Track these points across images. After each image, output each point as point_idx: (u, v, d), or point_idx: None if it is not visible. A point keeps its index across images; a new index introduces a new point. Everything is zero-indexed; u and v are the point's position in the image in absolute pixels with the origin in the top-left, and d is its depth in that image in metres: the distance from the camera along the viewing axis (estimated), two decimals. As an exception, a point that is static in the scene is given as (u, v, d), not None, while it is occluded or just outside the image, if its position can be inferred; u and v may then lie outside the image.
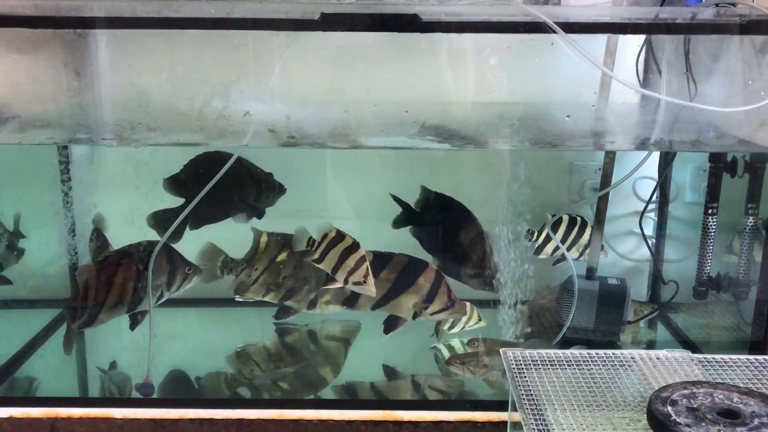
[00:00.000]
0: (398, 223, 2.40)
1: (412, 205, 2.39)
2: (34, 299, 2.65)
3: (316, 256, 2.16)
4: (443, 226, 2.38)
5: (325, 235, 2.16)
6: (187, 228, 2.30)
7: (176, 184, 2.29)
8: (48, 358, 2.41)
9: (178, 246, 2.28)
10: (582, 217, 2.42)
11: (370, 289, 2.11)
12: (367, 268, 2.10)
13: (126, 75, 2.12)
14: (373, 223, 2.48)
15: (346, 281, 2.11)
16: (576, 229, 2.38)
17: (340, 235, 2.14)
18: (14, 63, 2.03)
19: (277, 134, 2.07)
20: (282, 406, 2.04)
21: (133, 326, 2.24)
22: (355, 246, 2.12)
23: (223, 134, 2.05)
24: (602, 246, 2.33)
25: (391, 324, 2.26)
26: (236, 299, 2.35)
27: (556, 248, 2.35)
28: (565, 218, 2.40)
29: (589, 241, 2.27)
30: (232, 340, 2.57)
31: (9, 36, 1.99)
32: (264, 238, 2.33)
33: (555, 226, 2.38)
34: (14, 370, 2.28)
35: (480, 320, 2.37)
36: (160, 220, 2.30)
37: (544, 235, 2.33)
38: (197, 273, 2.29)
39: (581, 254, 2.36)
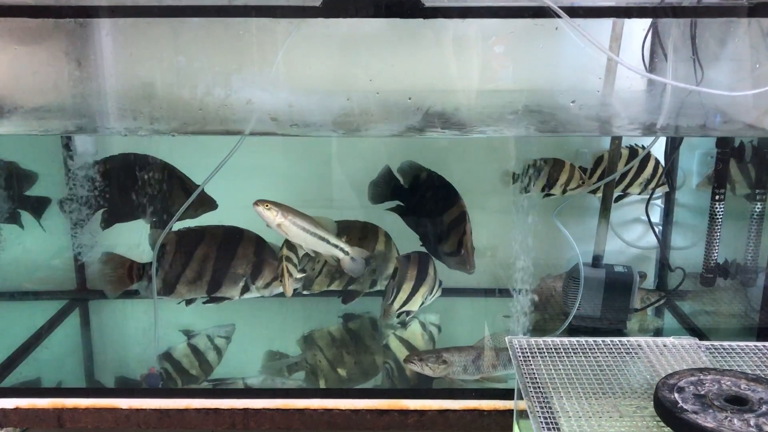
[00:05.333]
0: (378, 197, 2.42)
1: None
2: (39, 291, 2.65)
3: None
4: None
5: None
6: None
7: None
8: (54, 349, 2.41)
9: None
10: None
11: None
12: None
13: (128, 64, 2.11)
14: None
15: None
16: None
17: None
18: (15, 53, 2.02)
19: (279, 122, 2.06)
20: (287, 396, 2.04)
21: (208, 302, 2.20)
22: None
23: (225, 122, 2.04)
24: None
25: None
26: (304, 293, 2.36)
27: (543, 188, 2.29)
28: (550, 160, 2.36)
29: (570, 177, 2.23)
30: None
31: (10, 26, 1.98)
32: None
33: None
34: (20, 362, 2.28)
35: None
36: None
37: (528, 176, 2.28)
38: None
39: (564, 191, 2.32)
